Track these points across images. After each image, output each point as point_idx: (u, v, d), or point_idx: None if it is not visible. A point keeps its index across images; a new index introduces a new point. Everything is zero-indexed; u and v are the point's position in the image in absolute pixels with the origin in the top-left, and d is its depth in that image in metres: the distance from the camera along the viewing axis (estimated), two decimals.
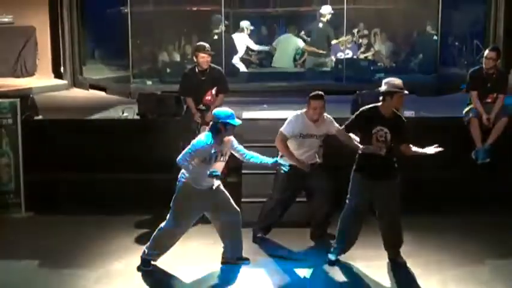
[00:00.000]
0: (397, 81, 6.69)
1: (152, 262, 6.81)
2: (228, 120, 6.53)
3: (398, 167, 6.82)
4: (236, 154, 6.88)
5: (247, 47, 13.92)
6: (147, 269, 6.75)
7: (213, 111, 6.83)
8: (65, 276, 6.71)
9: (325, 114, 7.36)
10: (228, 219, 6.82)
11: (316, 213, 7.56)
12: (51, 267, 6.97)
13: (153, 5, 14.66)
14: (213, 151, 6.52)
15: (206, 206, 6.76)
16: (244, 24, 13.85)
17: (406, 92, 6.67)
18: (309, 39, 14.03)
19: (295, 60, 14.19)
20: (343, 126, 7.01)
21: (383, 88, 6.64)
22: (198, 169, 6.51)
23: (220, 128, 6.53)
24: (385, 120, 6.64)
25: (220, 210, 6.80)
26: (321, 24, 13.83)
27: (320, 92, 7.29)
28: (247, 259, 6.97)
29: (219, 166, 6.68)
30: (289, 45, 14.06)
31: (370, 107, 6.79)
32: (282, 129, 7.31)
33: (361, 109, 6.87)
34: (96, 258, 7.15)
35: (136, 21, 13.17)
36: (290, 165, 7.30)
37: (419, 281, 6.54)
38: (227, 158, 6.77)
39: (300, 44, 14.00)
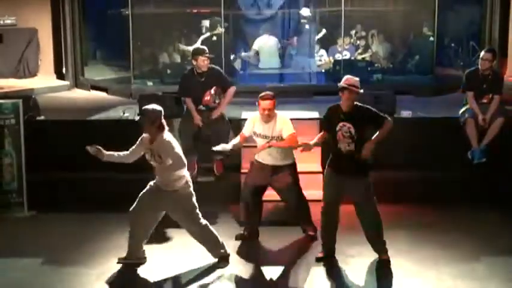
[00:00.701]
0: (351, 78, 6.71)
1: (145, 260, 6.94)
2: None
3: (372, 164, 6.81)
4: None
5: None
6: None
7: None
8: (67, 273, 6.77)
9: (280, 116, 7.31)
10: (191, 232, 6.91)
11: (296, 214, 7.70)
12: (54, 265, 7.03)
13: (153, 6, 14.75)
14: (144, 147, 6.61)
15: (157, 206, 6.77)
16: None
17: (357, 90, 6.61)
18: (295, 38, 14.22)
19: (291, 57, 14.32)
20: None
21: (340, 83, 6.70)
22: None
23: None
24: (346, 115, 6.65)
25: (180, 222, 6.88)
26: (306, 26, 13.98)
27: (269, 93, 7.26)
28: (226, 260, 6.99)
29: (157, 169, 6.66)
30: (272, 46, 14.07)
31: (332, 106, 6.81)
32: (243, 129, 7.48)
33: (327, 109, 6.88)
34: (97, 255, 7.22)
35: (137, 22, 13.29)
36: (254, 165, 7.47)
37: (416, 278, 6.59)
38: (159, 160, 6.57)
39: (278, 42, 14.10)
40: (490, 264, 6.92)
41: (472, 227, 7.94)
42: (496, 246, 7.38)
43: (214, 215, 8.24)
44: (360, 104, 6.72)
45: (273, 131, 7.26)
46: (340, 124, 6.62)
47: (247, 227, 7.68)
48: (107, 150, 8.71)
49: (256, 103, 7.27)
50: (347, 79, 6.71)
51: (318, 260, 6.99)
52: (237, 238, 7.61)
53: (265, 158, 7.39)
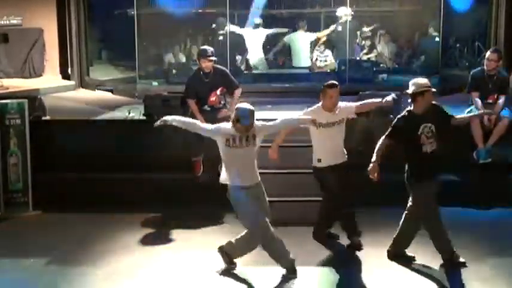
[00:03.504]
0: (422, 80, 6.81)
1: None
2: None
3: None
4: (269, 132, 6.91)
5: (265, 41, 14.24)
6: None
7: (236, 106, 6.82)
8: (73, 273, 6.78)
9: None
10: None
11: (320, 212, 7.65)
12: (59, 264, 7.04)
13: (159, 6, 14.76)
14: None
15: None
16: (258, 20, 14.17)
17: (433, 89, 6.76)
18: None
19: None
20: (385, 135, 6.88)
21: (412, 89, 6.70)
22: None
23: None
24: (424, 117, 6.71)
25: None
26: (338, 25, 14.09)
27: (335, 81, 7.43)
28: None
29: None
30: (304, 42, 14.26)
31: (404, 115, 6.79)
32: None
33: (396, 119, 6.84)
34: (103, 256, 7.21)
35: (142, 22, 13.31)
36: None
37: (422, 278, 6.60)
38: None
39: (313, 37, 14.19)
40: (495, 265, 6.91)
41: (477, 227, 7.95)
42: (501, 246, 7.37)
43: (220, 214, 8.25)
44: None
45: (337, 116, 7.35)
46: (422, 126, 6.67)
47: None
48: (112, 150, 8.67)
49: (321, 93, 7.33)
50: (418, 82, 6.73)
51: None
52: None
53: (333, 158, 7.37)
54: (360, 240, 7.41)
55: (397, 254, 7.00)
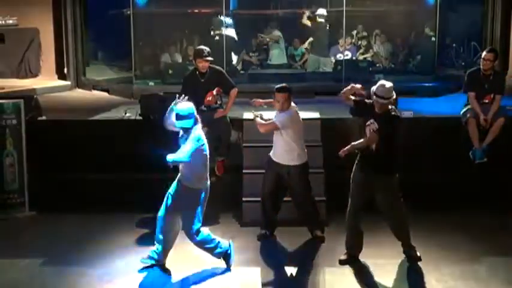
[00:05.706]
0: (386, 89, 6.64)
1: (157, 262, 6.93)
2: None
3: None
4: None
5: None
6: None
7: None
8: (68, 274, 6.78)
9: (290, 109, 7.55)
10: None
11: (299, 215, 7.76)
12: (55, 265, 7.04)
13: (155, 6, 14.76)
14: None
15: None
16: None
17: (383, 100, 6.60)
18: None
19: (293, 57, 14.38)
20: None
21: (374, 89, 6.67)
22: None
23: None
24: (377, 116, 6.67)
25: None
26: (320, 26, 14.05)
27: (284, 85, 7.52)
28: None
29: None
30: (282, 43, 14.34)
31: (369, 102, 6.79)
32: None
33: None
34: (98, 256, 7.22)
35: (138, 22, 13.31)
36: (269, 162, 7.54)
37: (417, 278, 6.62)
38: None
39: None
40: (491, 265, 6.93)
41: (473, 227, 7.95)
42: (497, 247, 7.40)
43: (216, 215, 8.25)
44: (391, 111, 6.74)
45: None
46: (371, 120, 6.65)
47: (267, 225, 7.76)
48: (108, 150, 8.71)
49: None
50: (375, 87, 6.66)
51: (342, 262, 6.98)
52: (259, 238, 7.66)
53: (279, 157, 7.50)
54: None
55: (408, 247, 7.03)
